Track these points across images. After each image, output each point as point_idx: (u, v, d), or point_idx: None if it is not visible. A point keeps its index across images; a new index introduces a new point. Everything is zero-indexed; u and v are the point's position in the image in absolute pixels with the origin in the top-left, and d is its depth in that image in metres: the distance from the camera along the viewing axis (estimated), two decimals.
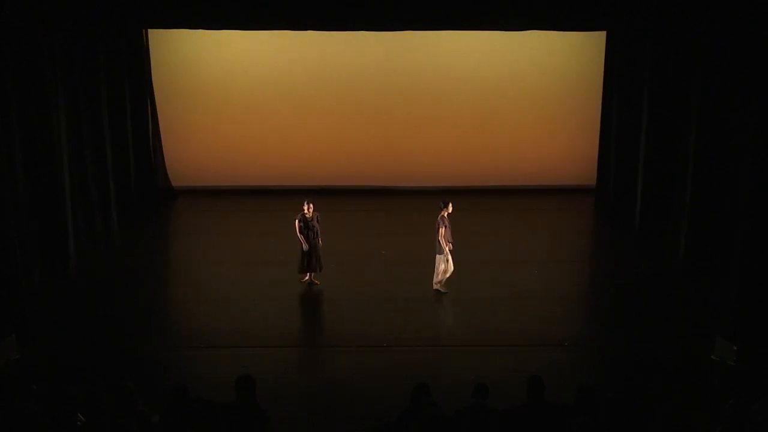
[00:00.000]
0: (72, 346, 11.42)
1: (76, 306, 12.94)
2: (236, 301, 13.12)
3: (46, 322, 12.13)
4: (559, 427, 7.35)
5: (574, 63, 18.64)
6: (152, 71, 18.30)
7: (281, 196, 18.13)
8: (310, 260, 13.59)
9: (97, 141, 15.80)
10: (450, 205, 13.30)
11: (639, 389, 8.43)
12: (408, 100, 18.85)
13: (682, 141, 14.46)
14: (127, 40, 17.23)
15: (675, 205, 14.77)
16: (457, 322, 12.42)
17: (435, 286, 13.34)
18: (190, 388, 7.78)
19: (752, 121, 11.65)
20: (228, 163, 19.13)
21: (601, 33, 17.49)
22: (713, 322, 11.73)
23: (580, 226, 17.80)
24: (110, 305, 12.99)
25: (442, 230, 13.09)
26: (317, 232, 13.56)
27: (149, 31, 18.03)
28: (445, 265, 13.24)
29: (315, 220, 13.57)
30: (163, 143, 18.81)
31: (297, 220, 13.56)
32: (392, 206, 18.53)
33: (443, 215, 13.20)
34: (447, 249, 13.14)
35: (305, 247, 13.47)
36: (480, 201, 18.60)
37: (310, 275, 13.79)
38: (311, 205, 13.58)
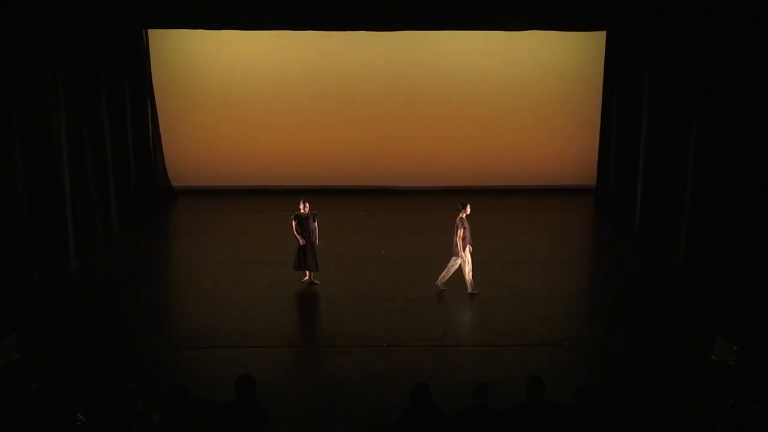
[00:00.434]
0: (72, 346, 11.41)
1: (76, 306, 12.94)
2: (236, 301, 13.11)
3: (46, 322, 12.12)
4: (559, 427, 7.35)
5: (574, 63, 18.65)
6: (152, 71, 18.31)
7: (281, 196, 18.13)
8: (305, 258, 13.59)
9: (97, 141, 15.82)
10: (468, 206, 13.22)
11: (639, 389, 8.42)
12: (408, 100, 18.86)
13: (682, 141, 14.47)
14: (127, 40, 17.25)
15: (675, 205, 14.78)
16: (457, 322, 12.41)
17: (437, 283, 13.27)
18: (190, 388, 7.77)
19: (752, 121, 11.64)
20: (228, 163, 19.14)
21: (601, 33, 17.51)
22: (713, 322, 11.73)
23: (580, 226, 17.80)
24: (110, 305, 12.99)
25: (460, 232, 13.02)
26: (312, 232, 13.55)
27: (149, 31, 18.05)
28: (468, 266, 13.13)
29: (311, 219, 13.56)
30: (163, 143, 18.82)
31: (293, 218, 13.57)
32: (392, 206, 18.54)
33: (462, 217, 13.13)
34: (467, 251, 13.03)
35: (301, 242, 13.46)
36: (480, 201, 18.54)
37: (310, 275, 13.78)
38: (307, 204, 13.58)
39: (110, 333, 11.96)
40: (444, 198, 18.93)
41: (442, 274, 13.31)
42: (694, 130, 13.84)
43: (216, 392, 8.24)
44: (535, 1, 14.05)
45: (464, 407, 7.64)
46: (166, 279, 15.02)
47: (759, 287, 11.08)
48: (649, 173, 15.76)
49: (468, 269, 13.15)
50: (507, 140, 19.12)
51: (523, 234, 16.54)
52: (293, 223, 13.56)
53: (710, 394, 8.08)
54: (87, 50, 15.27)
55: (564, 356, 11.43)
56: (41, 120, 13.28)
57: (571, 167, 19.10)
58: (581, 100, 18.78)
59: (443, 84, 18.73)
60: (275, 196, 18.57)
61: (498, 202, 18.59)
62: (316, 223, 13.61)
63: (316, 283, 13.78)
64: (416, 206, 18.51)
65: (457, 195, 18.87)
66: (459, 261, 13.13)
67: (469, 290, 13.20)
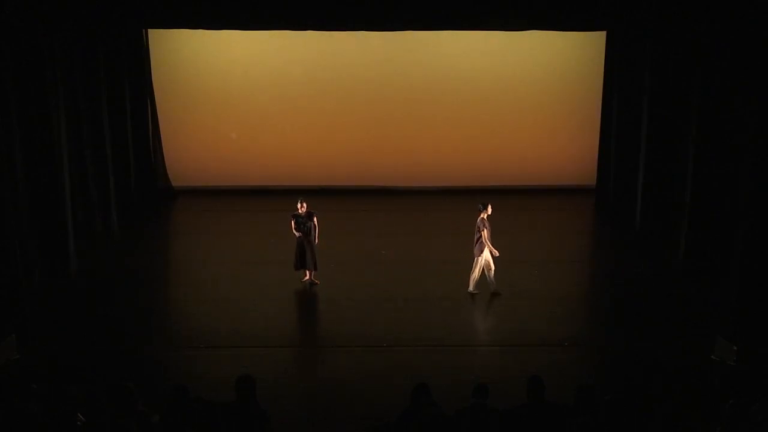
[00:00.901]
0: (72, 346, 11.41)
1: (76, 306, 12.94)
2: (236, 301, 13.11)
3: (46, 322, 12.12)
4: (559, 427, 7.35)
5: (574, 63, 18.65)
6: (152, 71, 18.31)
7: (281, 196, 18.12)
8: (304, 257, 13.59)
9: (97, 141, 15.82)
10: (490, 206, 13.17)
11: (639, 389, 8.43)
12: (408, 100, 18.86)
13: (682, 141, 14.46)
14: (127, 40, 17.25)
15: (675, 205, 14.77)
16: (457, 322, 12.40)
17: (491, 287, 13.21)
18: (190, 388, 7.77)
19: (752, 121, 11.64)
20: (228, 163, 19.14)
21: (601, 33, 17.50)
22: (713, 322, 11.73)
23: (580, 226, 17.80)
24: (110, 305, 12.99)
25: (485, 232, 12.97)
26: (310, 231, 13.55)
27: (149, 31, 18.05)
28: (479, 268, 13.12)
29: (309, 218, 13.56)
30: (163, 143, 18.81)
31: (291, 218, 13.59)
32: (392, 206, 18.54)
33: (483, 217, 13.08)
34: (486, 251, 13.00)
35: (297, 234, 13.46)
36: (480, 201, 18.57)
37: (311, 275, 13.79)
38: (305, 204, 13.59)
39: (110, 333, 11.96)
40: (444, 198, 19.00)
41: (488, 281, 13.20)
42: (694, 130, 13.84)
43: (216, 392, 8.24)
44: (535, 1, 14.05)
45: (464, 407, 7.64)
46: (166, 279, 15.02)
47: (759, 287, 11.08)
48: (649, 173, 15.76)
49: (478, 269, 13.11)
50: (507, 140, 19.11)
51: (523, 234, 16.53)
52: (292, 222, 13.57)
53: (710, 394, 8.08)
54: (87, 50, 15.28)
55: (564, 356, 11.43)
56: (41, 120, 13.28)
57: (571, 167, 19.10)
58: (581, 100, 18.77)
59: (443, 84, 18.73)
60: (275, 196, 18.57)
61: (498, 202, 18.48)
62: (314, 222, 13.60)
63: (317, 283, 13.78)
64: (416, 206, 18.51)
65: (457, 195, 18.99)
66: (491, 258, 13.07)
67: (470, 288, 13.19)
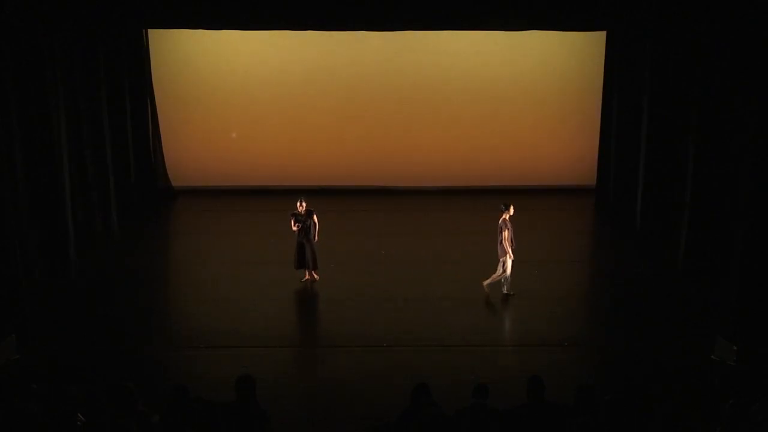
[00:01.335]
0: (72, 346, 11.42)
1: (76, 306, 12.94)
2: (236, 301, 13.11)
3: (46, 322, 12.12)
4: (559, 427, 7.36)
5: (574, 63, 18.64)
6: (152, 71, 18.30)
7: (281, 196, 18.10)
8: (303, 256, 13.60)
9: (97, 141, 15.81)
10: (512, 207, 13.13)
11: (639, 389, 8.43)
12: (408, 100, 18.86)
13: (682, 141, 14.46)
14: (127, 40, 17.24)
15: (675, 205, 14.77)
16: (457, 322, 12.41)
17: (504, 290, 13.19)
18: (190, 388, 7.78)
19: (752, 121, 11.64)
20: (228, 163, 19.14)
21: (601, 33, 17.50)
22: (713, 322, 11.73)
23: (580, 226, 17.80)
24: (110, 305, 12.99)
25: (506, 233, 12.93)
26: (309, 230, 13.56)
27: (149, 31, 18.04)
28: (504, 268, 13.08)
29: (308, 217, 13.57)
30: (163, 143, 18.81)
31: (290, 217, 13.61)
32: (392, 206, 18.53)
33: (505, 218, 13.04)
34: (509, 252, 12.97)
35: (294, 228, 13.47)
36: (480, 201, 18.58)
37: (310, 273, 13.79)
38: (304, 203, 13.59)
39: (110, 333, 11.96)
40: (444, 198, 19.00)
41: (502, 282, 13.17)
42: (694, 130, 13.84)
43: (216, 392, 8.24)
44: (535, 1, 14.05)
45: (464, 407, 7.64)
46: (166, 279, 15.03)
47: (759, 287, 11.08)
48: (649, 173, 15.76)
49: (509, 270, 13.04)
50: (507, 140, 19.11)
51: (523, 234, 16.47)
52: (291, 220, 13.58)
53: (710, 394, 8.08)
54: (87, 50, 15.27)
55: (564, 356, 11.43)
56: (41, 120, 13.28)
57: (571, 167, 19.09)
58: (581, 100, 18.77)
59: (443, 84, 18.72)
60: (275, 196, 18.56)
61: (498, 202, 18.51)
62: (314, 220, 13.62)
63: (316, 279, 13.78)
64: (416, 206, 18.50)
65: (457, 195, 18.99)
66: (510, 261, 13.02)
67: (486, 287, 13.12)
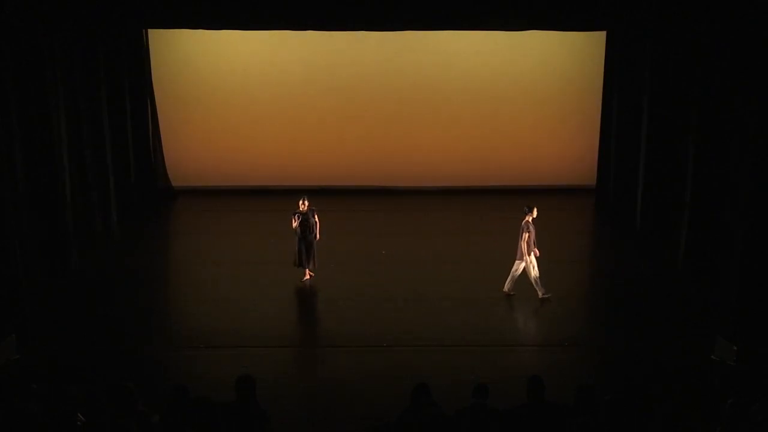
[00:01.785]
0: (72, 346, 11.42)
1: (76, 306, 12.94)
2: (236, 301, 13.12)
3: (46, 322, 12.12)
4: (559, 427, 7.36)
5: (574, 63, 18.65)
6: (152, 71, 18.30)
7: (281, 196, 18.11)
8: (303, 255, 13.62)
9: (97, 141, 15.81)
10: (535, 210, 13.09)
11: (639, 389, 8.43)
12: (408, 100, 18.86)
13: (682, 141, 14.46)
14: (127, 40, 17.24)
15: (675, 205, 14.76)
16: (457, 322, 12.41)
17: (505, 290, 13.16)
18: (190, 388, 7.77)
19: (752, 121, 11.64)
20: (228, 163, 19.14)
21: (601, 33, 17.50)
22: (713, 322, 11.73)
23: (580, 226, 17.80)
24: (110, 305, 12.99)
25: (526, 235, 12.88)
26: (312, 228, 13.58)
27: (149, 31, 18.04)
28: (534, 270, 12.98)
29: (310, 215, 13.59)
30: (163, 143, 18.81)
31: (292, 215, 13.64)
32: (392, 206, 18.53)
33: (527, 220, 13.01)
34: (532, 255, 12.92)
35: (294, 223, 13.51)
36: (480, 201, 18.61)
37: (307, 271, 13.81)
38: (306, 202, 13.61)
39: (110, 333, 11.96)
40: (444, 198, 19.00)
41: (508, 280, 13.17)
42: (694, 130, 13.84)
43: (216, 392, 8.23)
44: (535, 1, 14.04)
45: (464, 407, 7.64)
46: (166, 279, 15.03)
47: (759, 287, 11.08)
48: (649, 173, 15.76)
49: (534, 273, 12.99)
50: (507, 140, 19.11)
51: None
52: (293, 220, 13.60)
53: (710, 394, 8.08)
54: (87, 50, 15.26)
55: (564, 356, 11.43)
56: (41, 120, 13.27)
57: (571, 167, 19.09)
58: (581, 100, 18.77)
59: (443, 84, 18.73)
60: (275, 196, 18.56)
61: (498, 202, 18.59)
62: (315, 218, 13.64)
63: (312, 276, 13.83)
64: (416, 206, 18.50)
65: (457, 195, 18.99)
66: (523, 265, 12.98)
67: (540, 295, 13.01)
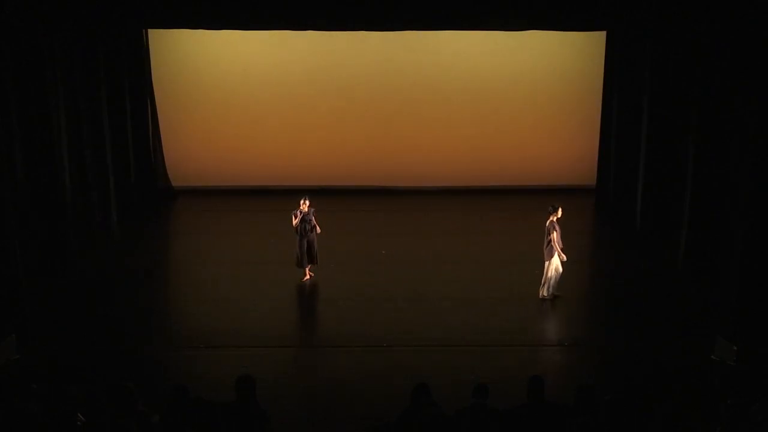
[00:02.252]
0: (72, 346, 11.42)
1: (76, 306, 12.94)
2: (236, 301, 13.12)
3: (46, 322, 12.12)
4: (559, 427, 7.36)
5: (574, 63, 18.64)
6: (152, 71, 18.30)
7: (281, 196, 18.10)
8: (304, 255, 13.66)
9: (97, 141, 15.80)
10: (560, 209, 13.05)
11: (639, 389, 8.43)
12: (408, 100, 18.86)
13: (682, 141, 14.46)
14: (127, 40, 17.23)
15: (675, 205, 14.77)
16: (457, 322, 12.41)
17: (541, 294, 13.10)
18: (190, 388, 7.78)
19: (752, 121, 11.64)
20: (228, 163, 19.14)
21: (601, 33, 17.50)
22: (713, 322, 11.73)
23: (580, 226, 17.76)
24: (110, 305, 12.99)
25: (554, 235, 12.87)
26: (313, 227, 13.64)
27: (149, 31, 18.03)
28: (555, 271, 12.99)
29: (311, 215, 13.64)
30: (163, 143, 18.81)
31: (293, 215, 13.67)
32: (392, 206, 18.53)
33: (552, 220, 12.97)
34: (558, 254, 12.89)
35: (294, 221, 13.57)
36: (480, 201, 18.61)
37: (306, 271, 13.86)
38: (308, 201, 13.64)
39: (110, 333, 11.97)
40: (444, 198, 19.00)
41: (551, 284, 13.09)
42: (694, 130, 13.84)
43: (216, 392, 8.24)
44: (535, 1, 14.04)
45: (464, 407, 7.64)
46: (166, 279, 15.03)
47: (759, 287, 11.08)
48: (649, 173, 15.75)
49: (551, 273, 12.97)
50: (507, 140, 19.10)
51: (523, 234, 16.52)
52: (294, 219, 13.63)
53: (710, 394, 8.08)
54: (87, 50, 15.26)
55: (564, 356, 11.44)
56: (41, 120, 13.28)
57: (571, 167, 19.09)
58: (581, 100, 18.76)
59: (443, 84, 18.72)
60: (275, 196, 18.55)
61: (498, 202, 18.60)
62: (313, 217, 13.69)
63: (312, 275, 13.86)
64: (416, 206, 18.50)
65: (457, 195, 18.99)
66: (556, 262, 12.96)
67: (547, 294, 13.03)
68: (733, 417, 6.95)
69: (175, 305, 13.70)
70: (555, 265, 12.97)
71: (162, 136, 18.80)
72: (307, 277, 13.87)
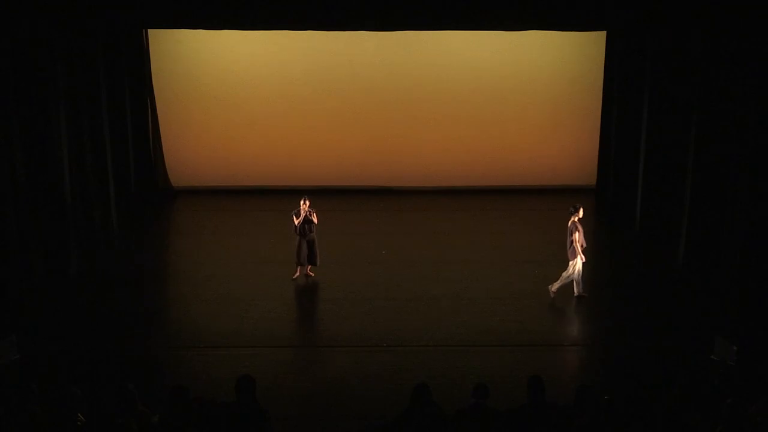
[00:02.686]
0: (72, 346, 11.42)
1: (76, 306, 12.93)
2: (236, 301, 13.12)
3: (46, 322, 12.12)
4: (559, 427, 7.36)
5: (574, 63, 18.62)
6: (152, 71, 18.30)
7: (281, 196, 18.10)
8: (302, 254, 13.70)
9: (97, 141, 15.80)
10: (581, 209, 13.02)
11: (639, 389, 8.44)
12: (408, 100, 18.84)
13: (682, 141, 14.45)
14: (127, 40, 17.23)
15: (675, 205, 14.77)
16: (457, 322, 12.41)
17: (577, 292, 13.06)
18: (190, 388, 7.78)
19: (752, 120, 11.65)
20: (228, 163, 19.12)
21: (601, 33, 17.49)
22: (713, 322, 11.73)
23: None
24: (110, 305, 12.99)
25: (576, 235, 12.84)
26: (312, 227, 13.68)
27: (149, 31, 18.03)
28: (573, 270, 12.95)
29: (310, 214, 13.66)
30: (163, 143, 18.81)
31: (293, 215, 13.73)
32: (392, 206, 18.53)
33: (574, 220, 12.94)
34: (581, 254, 12.85)
35: (296, 220, 13.63)
36: (480, 201, 18.60)
37: (307, 269, 13.91)
38: (307, 202, 13.67)
39: (110, 333, 11.96)
40: (444, 198, 18.99)
41: (575, 285, 13.05)
42: (694, 130, 13.84)
43: (216, 392, 8.24)
44: (535, 1, 14.04)
45: (464, 407, 7.65)
46: (166, 279, 15.03)
47: (759, 287, 11.09)
48: (649, 173, 15.75)
49: (574, 272, 12.93)
50: (507, 140, 19.09)
51: (523, 234, 16.54)
52: (295, 219, 13.67)
53: (710, 394, 8.09)
54: (87, 50, 15.26)
55: (564, 356, 11.44)
56: (41, 120, 13.27)
57: (571, 167, 19.08)
58: (581, 100, 18.75)
59: (443, 84, 18.71)
60: (275, 196, 18.54)
61: (498, 202, 18.59)
62: (313, 218, 13.70)
63: (311, 275, 13.86)
64: (416, 206, 18.49)
65: (457, 195, 18.98)
66: (579, 263, 12.94)
67: (553, 290, 13.02)
68: (733, 417, 6.95)
69: (175, 305, 13.70)
70: (579, 264, 12.91)
71: (162, 136, 18.79)
72: (298, 274, 13.87)
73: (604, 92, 17.81)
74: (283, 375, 10.89)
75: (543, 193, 19.08)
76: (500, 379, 10.10)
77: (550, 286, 13.08)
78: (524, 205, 18.44)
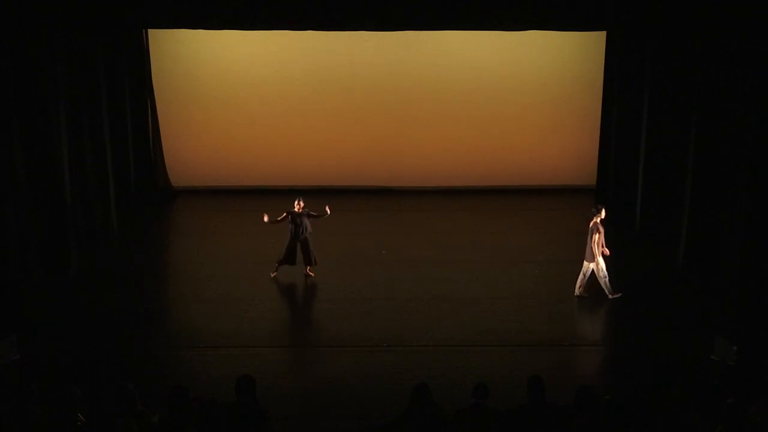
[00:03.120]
0: (72, 346, 11.42)
1: (76, 306, 12.93)
2: (236, 301, 13.12)
3: (46, 322, 12.12)
4: (559, 427, 7.36)
5: (574, 63, 18.62)
6: (152, 71, 18.30)
7: (281, 196, 18.06)
8: (292, 255, 13.75)
9: (97, 141, 15.80)
10: (603, 210, 12.96)
11: (639, 389, 8.44)
12: (408, 100, 18.84)
13: (682, 141, 14.46)
14: (127, 40, 17.23)
15: (675, 205, 14.77)
16: (457, 322, 12.41)
17: (609, 295, 13.03)
18: (190, 388, 7.78)
19: (752, 120, 11.66)
20: (228, 163, 19.12)
21: (601, 33, 17.49)
22: (713, 322, 11.73)
23: (580, 226, 17.73)
24: (110, 305, 12.98)
25: (596, 237, 12.77)
26: (305, 228, 13.68)
27: (149, 31, 18.02)
28: (603, 272, 12.85)
29: (304, 216, 13.67)
30: (163, 143, 18.81)
31: (286, 214, 13.80)
32: (392, 206, 18.53)
33: (596, 221, 12.88)
34: (600, 255, 12.79)
35: (279, 219, 13.74)
36: (480, 201, 18.60)
37: (308, 269, 13.96)
38: (302, 203, 13.67)
39: (110, 333, 11.96)
40: (444, 198, 19.00)
41: (578, 282, 13.09)
42: (694, 129, 13.84)
43: (216, 392, 8.25)
44: (535, 1, 14.05)
45: (464, 407, 7.65)
46: (166, 279, 15.03)
47: (759, 287, 11.09)
48: (649, 173, 15.75)
49: (603, 275, 12.89)
50: (507, 140, 19.09)
51: (523, 234, 16.54)
52: (284, 216, 13.76)
53: (710, 394, 8.09)
54: (87, 50, 15.27)
55: (564, 356, 11.43)
56: (41, 120, 13.27)
57: (571, 167, 19.07)
58: (581, 100, 18.74)
59: (443, 84, 18.71)
60: (275, 196, 18.49)
61: (498, 202, 18.59)
62: (307, 221, 13.71)
63: (311, 275, 13.88)
64: (416, 206, 18.50)
65: (457, 195, 18.99)
66: (592, 266, 12.89)
67: (610, 296, 12.95)
68: (733, 417, 6.96)
69: (175, 305, 13.70)
70: (601, 265, 12.86)
71: (162, 136, 18.79)
72: (276, 273, 13.86)
73: (604, 92, 17.80)
74: (283, 375, 10.90)
75: (543, 193, 19.08)
76: (500, 379, 10.10)
77: (610, 295, 12.91)
78: (524, 205, 18.44)
